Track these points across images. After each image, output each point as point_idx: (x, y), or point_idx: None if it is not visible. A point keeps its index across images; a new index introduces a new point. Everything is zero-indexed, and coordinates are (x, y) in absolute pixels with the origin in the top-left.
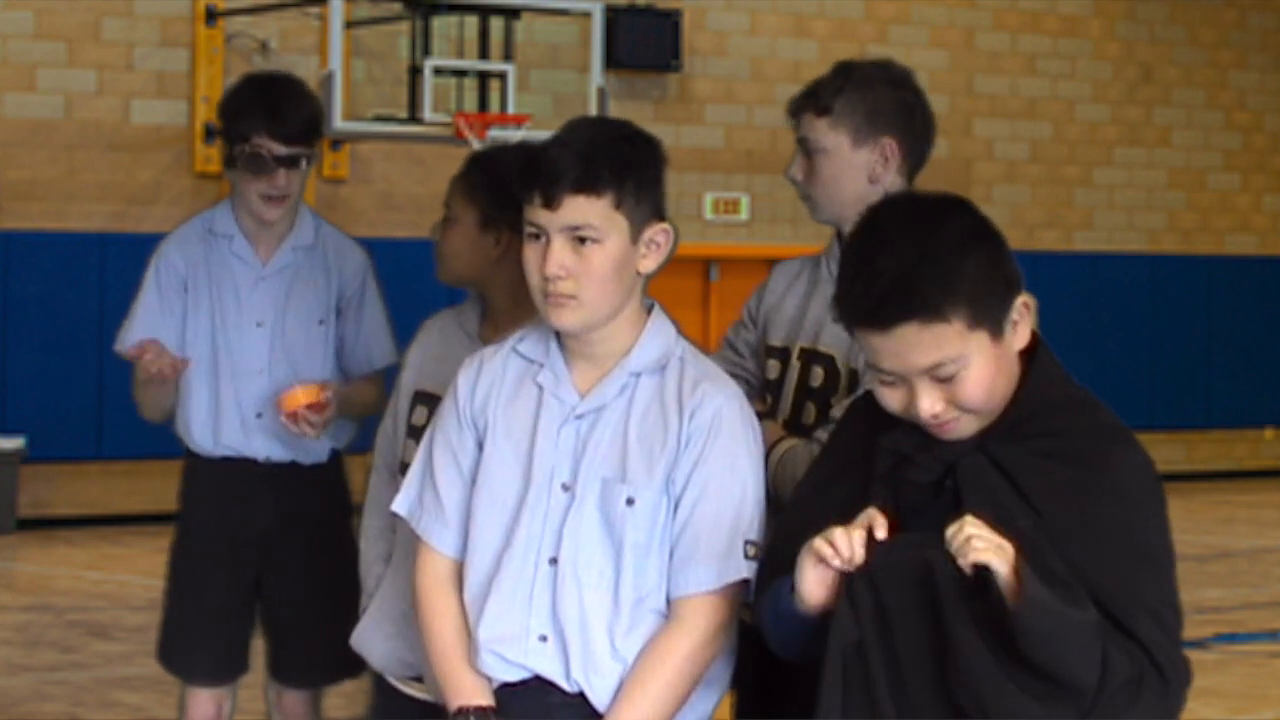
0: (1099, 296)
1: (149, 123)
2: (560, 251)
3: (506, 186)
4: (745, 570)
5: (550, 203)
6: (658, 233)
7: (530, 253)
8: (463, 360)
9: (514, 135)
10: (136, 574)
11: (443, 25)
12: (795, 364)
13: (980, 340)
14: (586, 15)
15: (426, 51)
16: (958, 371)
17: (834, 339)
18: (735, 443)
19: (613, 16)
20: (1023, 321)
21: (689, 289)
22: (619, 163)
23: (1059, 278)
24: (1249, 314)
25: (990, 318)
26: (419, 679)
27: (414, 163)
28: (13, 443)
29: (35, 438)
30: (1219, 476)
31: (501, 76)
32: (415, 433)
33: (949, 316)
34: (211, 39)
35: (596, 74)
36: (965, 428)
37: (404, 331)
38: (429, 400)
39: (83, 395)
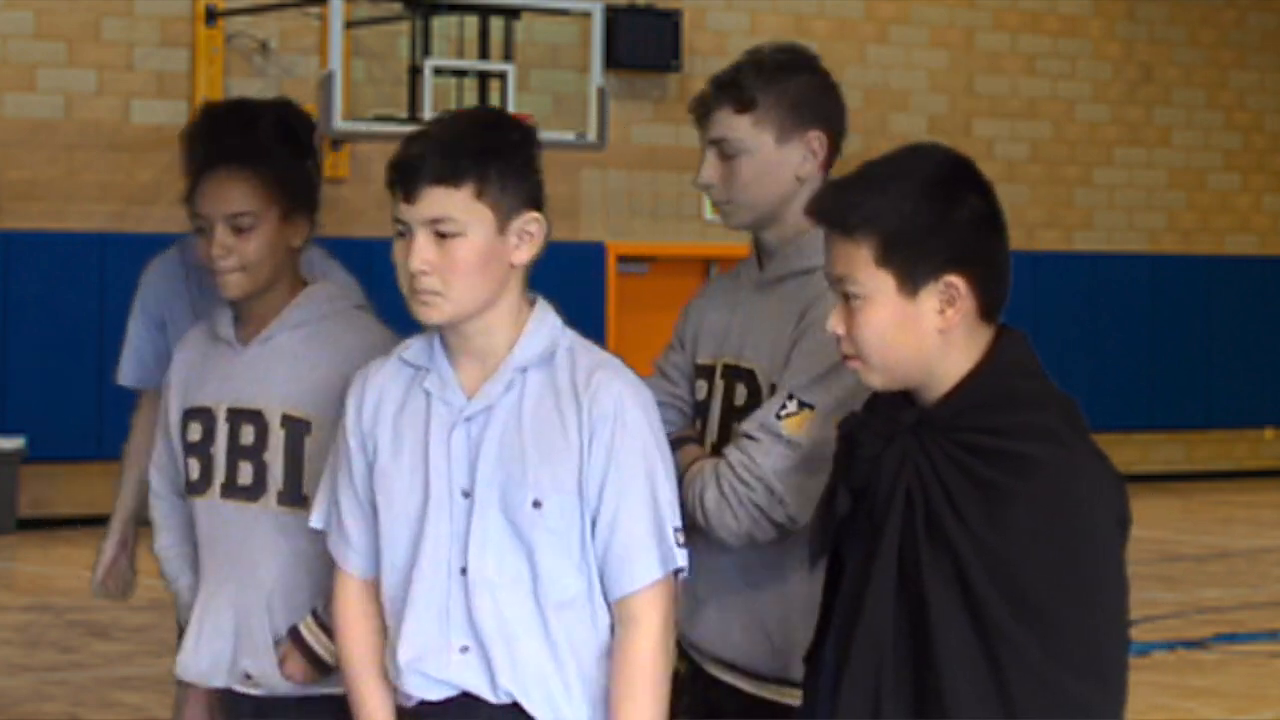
0: (1099, 296)
1: (149, 123)
2: (423, 246)
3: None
4: (680, 558)
5: (410, 196)
6: (529, 222)
7: (397, 249)
8: (226, 369)
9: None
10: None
11: (443, 25)
12: (719, 382)
13: (885, 283)
14: (586, 15)
15: (426, 51)
16: (859, 301)
17: (756, 352)
18: (641, 429)
19: (613, 16)
20: (949, 305)
21: (689, 289)
22: (479, 150)
23: (1059, 278)
24: (1249, 314)
25: (900, 265)
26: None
27: None
28: (13, 443)
29: (35, 438)
30: (1219, 476)
31: (501, 76)
32: (193, 449)
33: (857, 238)
34: (211, 39)
35: (596, 74)
36: (866, 374)
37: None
38: (200, 415)
39: (83, 395)
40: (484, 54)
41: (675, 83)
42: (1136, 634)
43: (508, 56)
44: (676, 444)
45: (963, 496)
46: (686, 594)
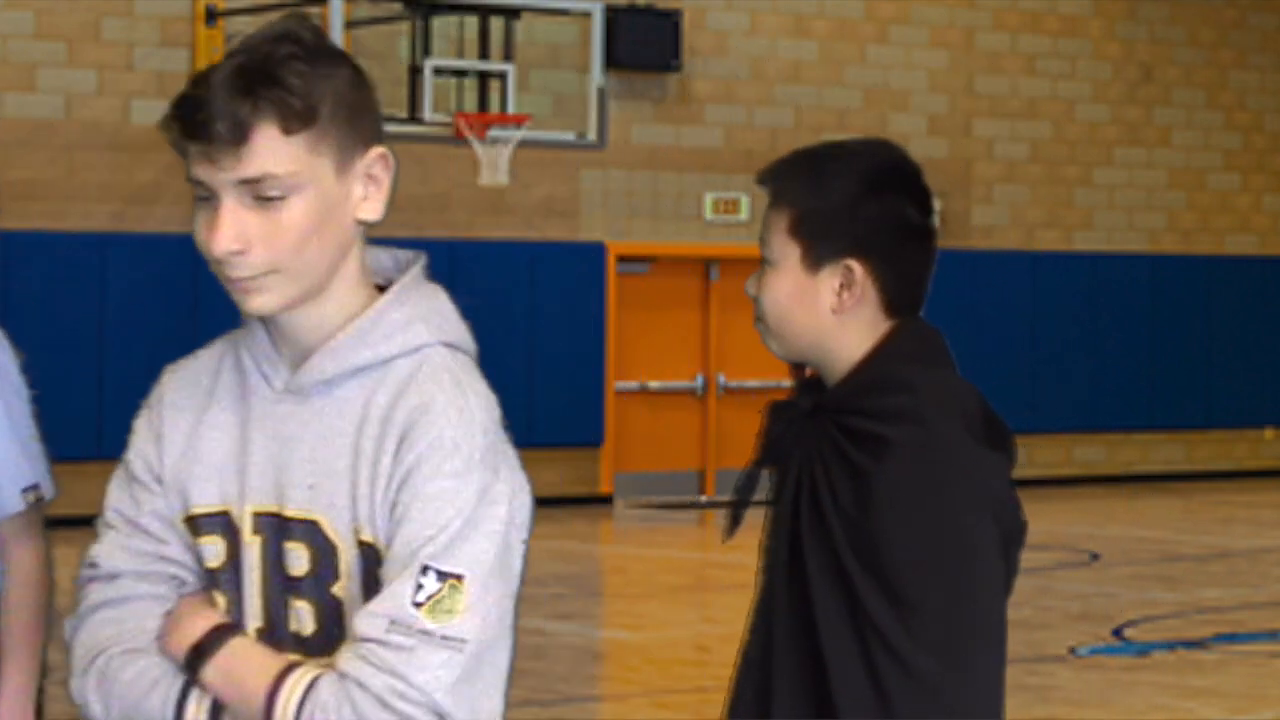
0: (1099, 296)
1: (149, 123)
2: None
3: None
4: None
5: None
6: None
7: None
8: None
9: (514, 135)
10: None
11: (443, 25)
12: (252, 540)
13: (792, 253)
14: (586, 15)
15: (426, 51)
16: (769, 266)
17: (314, 494)
18: None
19: (613, 16)
20: (846, 288)
21: (689, 289)
22: None
23: (1059, 278)
24: (1249, 314)
25: (807, 239)
26: None
27: (414, 163)
28: None
29: None
30: (1219, 476)
31: (501, 76)
32: None
33: (779, 205)
34: (211, 39)
35: (596, 74)
36: (766, 340)
37: None
38: None
39: (83, 395)
40: (484, 54)
41: (675, 83)
42: (1137, 634)
43: (508, 56)
44: (218, 635)
45: (838, 479)
46: None
